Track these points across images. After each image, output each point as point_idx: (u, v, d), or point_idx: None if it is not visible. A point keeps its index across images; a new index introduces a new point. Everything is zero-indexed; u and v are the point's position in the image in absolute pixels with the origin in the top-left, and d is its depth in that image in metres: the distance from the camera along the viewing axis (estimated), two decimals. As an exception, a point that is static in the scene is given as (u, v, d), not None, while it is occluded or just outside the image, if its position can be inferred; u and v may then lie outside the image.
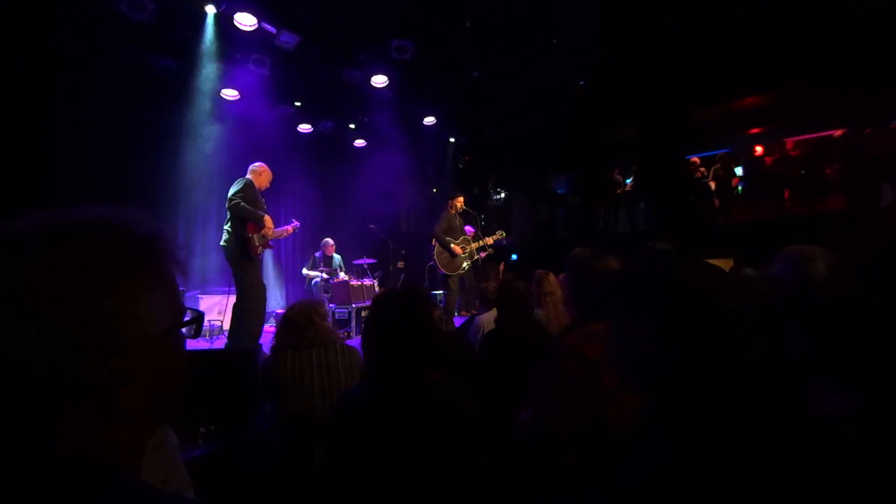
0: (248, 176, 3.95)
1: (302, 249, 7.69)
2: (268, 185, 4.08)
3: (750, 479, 0.54)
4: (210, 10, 4.96)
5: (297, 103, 6.88)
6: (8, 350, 0.40)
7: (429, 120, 7.79)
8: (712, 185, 7.73)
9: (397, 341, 1.21)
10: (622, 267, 1.46)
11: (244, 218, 3.71)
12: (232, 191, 3.76)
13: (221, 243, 3.79)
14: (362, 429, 1.17)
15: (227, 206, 3.73)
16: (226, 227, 3.77)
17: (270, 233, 3.85)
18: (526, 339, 2.12)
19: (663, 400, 0.65)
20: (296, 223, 4.49)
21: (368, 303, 5.31)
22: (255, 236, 3.72)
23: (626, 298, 0.70)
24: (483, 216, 8.20)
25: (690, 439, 0.59)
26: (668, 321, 0.63)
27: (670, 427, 0.61)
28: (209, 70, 5.60)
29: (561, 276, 2.53)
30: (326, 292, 6.05)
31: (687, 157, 7.90)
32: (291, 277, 7.62)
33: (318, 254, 6.63)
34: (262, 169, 4.02)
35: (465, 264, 5.66)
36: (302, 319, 2.09)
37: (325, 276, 6.26)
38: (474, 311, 5.18)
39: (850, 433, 0.75)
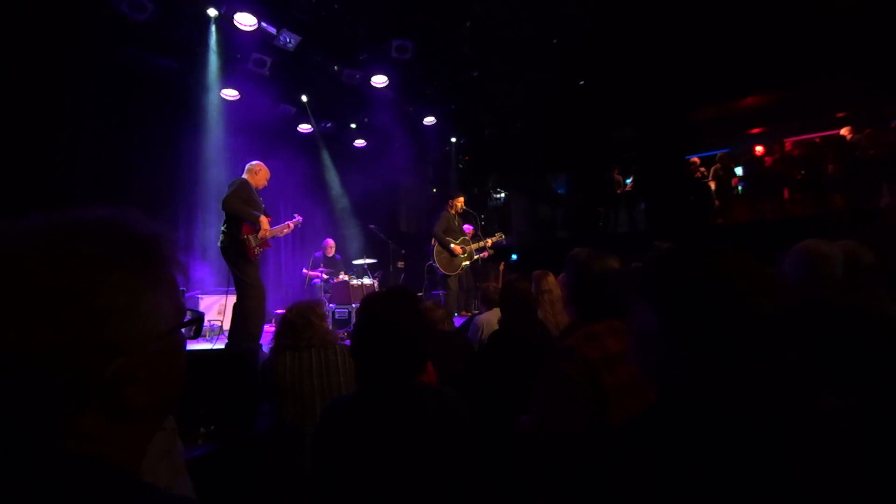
0: (245, 175, 3.93)
1: (302, 250, 7.69)
2: (265, 183, 4.06)
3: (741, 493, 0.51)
4: (207, 13, 4.96)
5: (305, 98, 6.87)
6: (14, 349, 0.40)
7: (429, 120, 7.79)
8: (712, 185, 7.73)
9: (379, 343, 1.16)
10: (622, 266, 1.46)
11: (239, 218, 3.71)
12: (227, 192, 3.75)
13: (219, 244, 3.79)
14: (347, 437, 1.13)
15: (221, 206, 3.73)
16: (223, 227, 3.76)
17: (268, 233, 3.84)
18: (529, 341, 2.11)
19: (674, 397, 0.61)
20: (298, 218, 4.42)
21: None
22: (250, 237, 3.70)
23: (653, 286, 0.65)
24: (483, 216, 8.19)
25: (690, 439, 0.56)
26: (695, 318, 0.59)
27: (673, 424, 0.58)
28: (209, 70, 5.60)
29: (561, 276, 2.52)
30: (326, 292, 6.06)
31: (687, 157, 7.91)
32: (291, 277, 7.62)
33: (318, 254, 6.63)
34: (258, 168, 4.00)
35: (464, 264, 5.69)
36: (300, 320, 2.09)
37: (325, 276, 6.26)
38: (475, 311, 5.19)
39: (839, 431, 0.75)
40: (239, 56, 5.58)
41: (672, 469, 0.54)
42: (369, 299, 1.28)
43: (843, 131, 6.55)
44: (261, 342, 3.82)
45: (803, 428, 0.56)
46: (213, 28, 5.18)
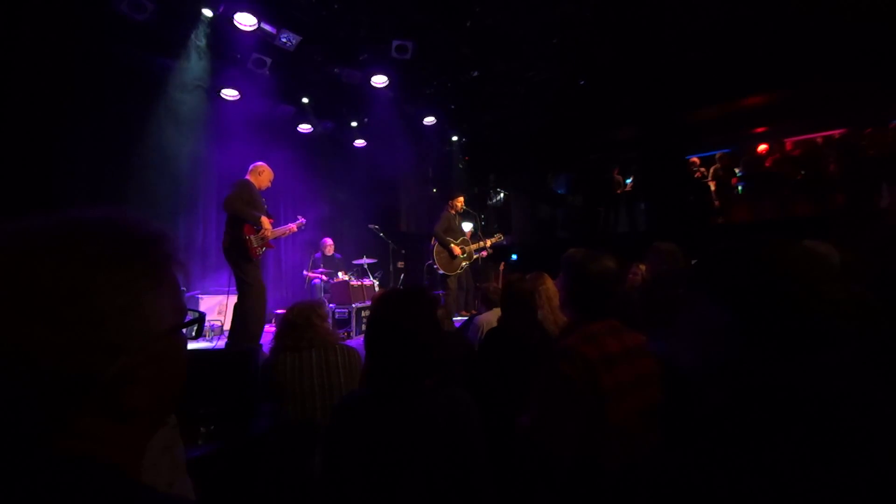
0: (248, 176, 3.94)
1: (303, 250, 7.70)
2: (268, 184, 4.07)
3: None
4: (207, 13, 4.97)
5: (305, 99, 6.87)
6: (16, 348, 0.40)
7: (429, 120, 7.79)
8: (712, 185, 7.73)
9: (398, 342, 1.16)
10: (619, 266, 1.46)
11: (241, 219, 3.71)
12: (229, 192, 3.76)
13: (222, 244, 3.80)
14: (359, 434, 1.13)
15: (222, 207, 3.73)
16: (226, 228, 3.77)
17: (269, 233, 3.84)
18: (528, 341, 2.11)
19: (736, 391, 0.61)
20: (301, 220, 4.43)
21: (368, 303, 5.32)
22: (252, 238, 3.71)
23: (721, 280, 0.65)
24: (483, 216, 8.20)
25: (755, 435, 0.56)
26: (767, 310, 0.59)
27: (750, 420, 0.58)
28: (209, 70, 5.61)
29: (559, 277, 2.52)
30: (326, 292, 6.06)
31: (687, 157, 7.90)
32: (291, 278, 7.62)
33: (317, 254, 6.63)
34: (262, 168, 4.02)
35: (463, 264, 5.70)
36: (301, 320, 2.09)
37: (324, 276, 6.26)
38: (474, 311, 5.19)
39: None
40: (239, 56, 5.58)
41: (755, 465, 0.53)
42: (385, 297, 1.27)
43: (842, 131, 6.55)
44: (261, 342, 3.82)
45: (872, 419, 0.56)
46: (213, 28, 5.19)
